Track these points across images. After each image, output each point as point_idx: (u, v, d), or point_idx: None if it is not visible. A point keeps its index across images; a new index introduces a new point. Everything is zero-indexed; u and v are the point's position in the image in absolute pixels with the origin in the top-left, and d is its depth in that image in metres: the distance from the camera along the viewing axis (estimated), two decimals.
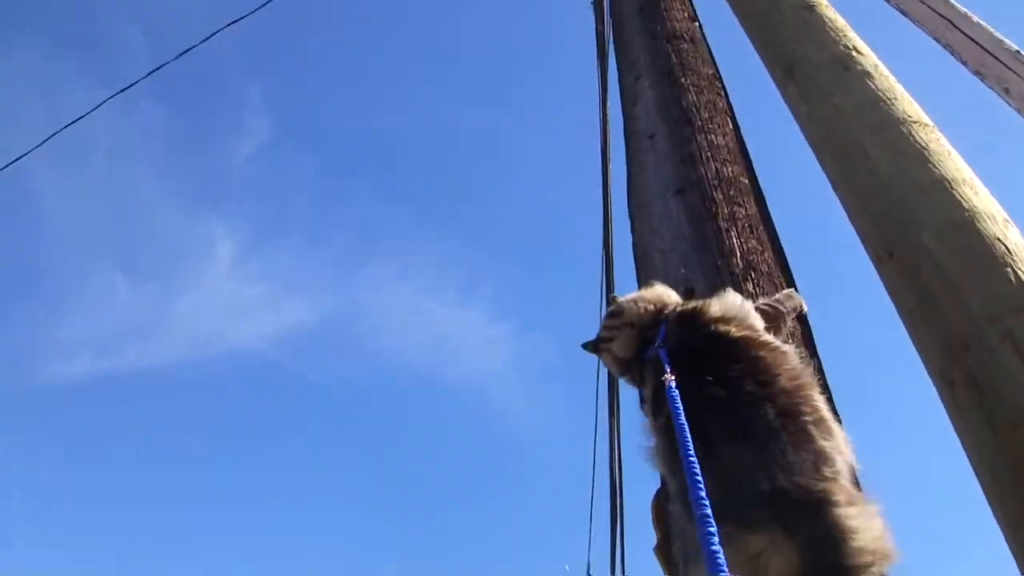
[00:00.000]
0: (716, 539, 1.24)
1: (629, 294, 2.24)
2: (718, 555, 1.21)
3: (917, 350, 2.12)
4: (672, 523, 2.03)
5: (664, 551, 2.09)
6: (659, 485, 2.14)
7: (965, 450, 1.90)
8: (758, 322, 2.00)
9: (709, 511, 1.31)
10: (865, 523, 1.52)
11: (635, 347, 2.09)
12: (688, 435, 1.51)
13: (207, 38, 5.82)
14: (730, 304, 2.01)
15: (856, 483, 1.74)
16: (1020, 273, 1.97)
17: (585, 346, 2.32)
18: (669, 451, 1.75)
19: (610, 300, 2.32)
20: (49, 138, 5.90)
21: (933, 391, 2.07)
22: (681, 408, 1.60)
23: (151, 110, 20.55)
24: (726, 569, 1.18)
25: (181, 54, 5.79)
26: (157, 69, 5.77)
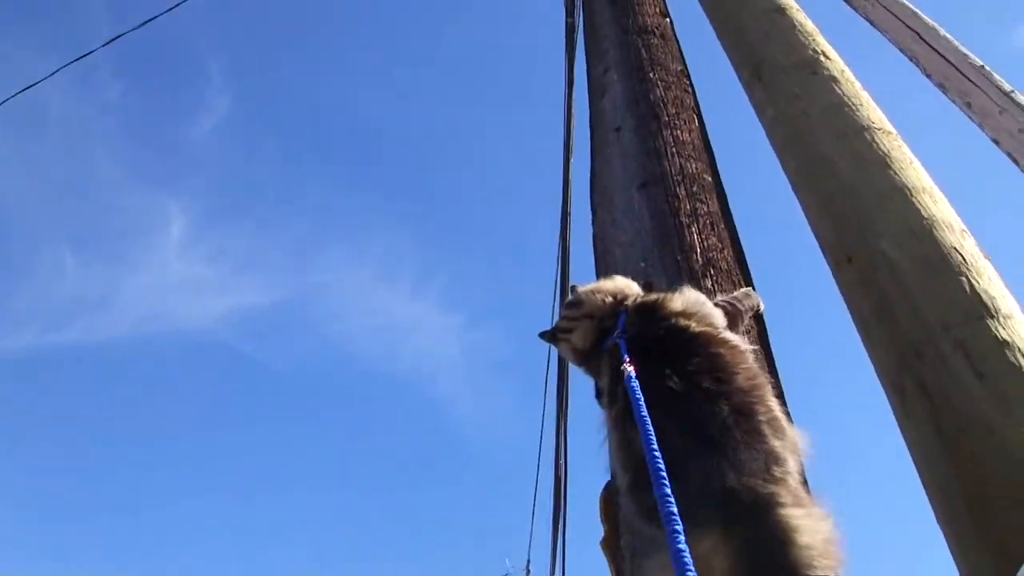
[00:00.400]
0: (682, 537, 1.22)
1: (588, 284, 2.21)
2: (684, 554, 1.19)
3: (870, 357, 2.13)
4: (620, 517, 2.02)
5: (611, 545, 2.08)
6: (608, 479, 2.12)
7: (912, 457, 1.91)
8: (719, 319, 2.00)
9: (675, 508, 1.29)
10: (811, 525, 1.51)
11: (594, 338, 2.07)
12: (650, 427, 1.49)
13: (169, 9, 5.68)
14: (692, 299, 2.00)
15: (806, 484, 1.74)
16: (975, 283, 1.98)
17: (543, 335, 2.29)
18: (622, 442, 1.73)
19: (570, 290, 2.29)
20: None
21: (881, 397, 2.08)
22: (642, 398, 1.58)
23: (109, 83, 20.12)
24: (693, 568, 1.15)
25: (142, 24, 5.64)
26: (116, 39, 5.61)
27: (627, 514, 1.86)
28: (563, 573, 3.83)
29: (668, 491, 1.34)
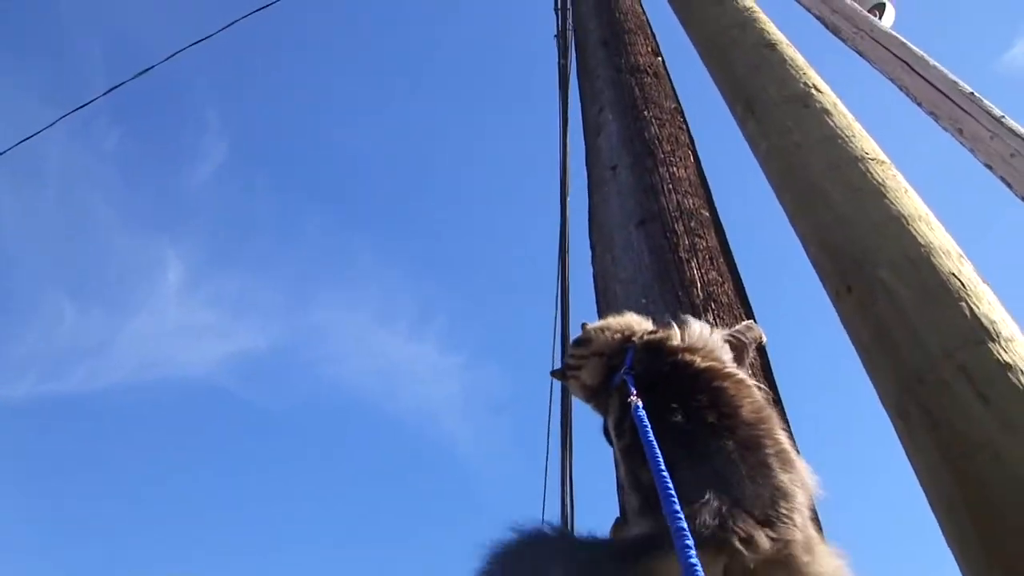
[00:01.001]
0: (694, 552, 1.22)
1: (597, 322, 2.23)
2: (696, 568, 1.19)
3: (873, 384, 2.14)
4: None
5: None
6: (616, 516, 2.12)
7: (920, 483, 1.91)
8: (725, 354, 2.00)
9: (685, 524, 1.29)
10: (817, 556, 1.51)
11: (602, 375, 2.09)
12: (657, 451, 1.49)
13: (167, 58, 5.77)
14: (698, 334, 2.01)
15: (816, 520, 1.73)
16: (974, 308, 2.00)
17: (554, 374, 2.30)
18: (629, 475, 1.73)
19: (581, 327, 2.30)
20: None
21: (886, 425, 2.09)
22: (649, 427, 1.59)
23: (106, 131, 20.30)
24: None
25: (139, 73, 5.73)
26: (115, 88, 5.70)
27: None
28: None
29: (678, 508, 1.34)
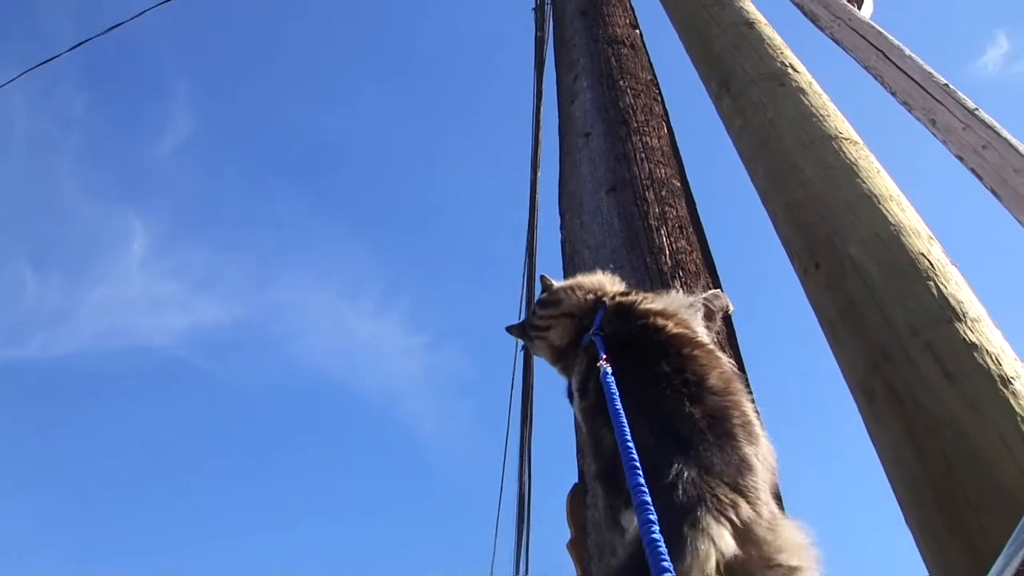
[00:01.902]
0: (656, 527, 1.17)
1: (565, 280, 2.17)
2: (659, 543, 1.14)
3: (837, 360, 2.12)
4: (588, 518, 1.98)
5: (577, 547, 2.03)
6: (575, 482, 2.09)
7: (881, 460, 1.89)
8: (696, 322, 1.97)
9: (648, 497, 1.24)
10: (781, 533, 1.48)
11: (572, 335, 2.03)
12: (624, 421, 1.44)
13: (136, 16, 5.62)
14: (672, 300, 1.97)
15: (777, 494, 1.70)
16: (942, 288, 1.98)
17: (511, 330, 2.24)
18: (591, 437, 1.69)
19: (540, 280, 2.25)
20: None
21: (842, 402, 2.07)
22: (616, 394, 1.54)
23: (73, 96, 19.85)
24: (668, 557, 1.11)
25: (108, 30, 5.57)
26: (81, 44, 5.54)
27: (594, 514, 1.82)
28: None
29: (642, 480, 1.30)
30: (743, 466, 1.54)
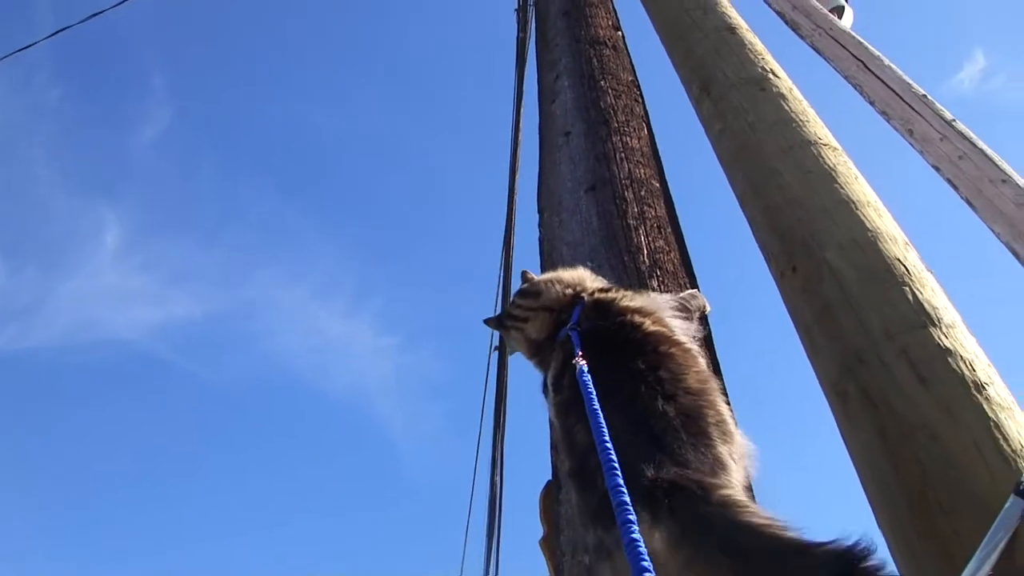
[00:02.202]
0: (636, 528, 1.16)
1: (546, 273, 2.16)
2: (639, 544, 1.13)
3: (812, 363, 2.12)
4: (560, 514, 1.96)
5: (550, 544, 2.02)
6: (548, 479, 2.07)
7: (854, 463, 1.89)
8: (674, 321, 1.96)
9: (627, 498, 1.23)
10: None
11: (549, 329, 2.02)
12: (602, 420, 1.42)
13: (116, 4, 5.55)
14: (651, 299, 1.97)
15: (750, 493, 1.69)
16: (918, 293, 1.99)
17: (488, 322, 2.23)
18: (564, 432, 1.68)
19: (522, 275, 2.23)
20: None
21: (816, 405, 2.07)
22: (594, 392, 1.53)
23: (49, 86, 19.65)
24: (648, 557, 1.09)
25: (88, 18, 5.49)
26: (60, 31, 5.46)
27: (568, 510, 1.80)
28: None
29: (621, 482, 1.28)
30: (717, 465, 1.53)
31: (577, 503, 1.64)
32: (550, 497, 2.07)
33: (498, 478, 3.59)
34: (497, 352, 4.09)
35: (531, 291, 2.13)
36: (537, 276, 2.18)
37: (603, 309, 1.94)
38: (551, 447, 2.03)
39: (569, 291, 2.06)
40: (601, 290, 2.06)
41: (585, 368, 1.64)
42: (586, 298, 2.01)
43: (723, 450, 1.59)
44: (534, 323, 2.07)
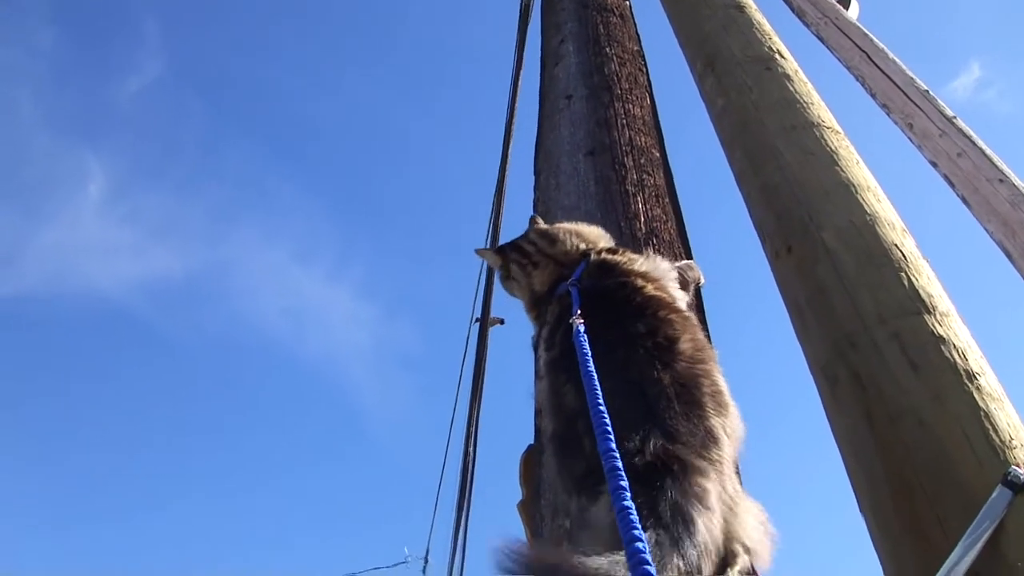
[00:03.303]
0: (628, 494, 1.12)
1: (565, 223, 2.11)
2: (631, 512, 1.09)
3: (802, 344, 2.10)
4: (543, 478, 1.92)
5: (528, 509, 1.98)
6: (529, 443, 2.04)
7: (839, 444, 1.87)
8: (675, 291, 1.93)
9: (620, 463, 1.19)
10: (740, 512, 1.44)
11: (551, 282, 1.98)
12: (596, 385, 1.38)
13: None
14: (655, 264, 1.93)
15: (738, 472, 1.66)
16: (913, 280, 1.96)
17: (483, 252, 2.17)
18: (551, 391, 1.64)
19: (530, 221, 2.17)
20: None
21: (803, 385, 2.05)
22: (589, 354, 1.48)
23: (41, 27, 19.26)
24: (639, 525, 1.06)
25: None
26: None
27: (549, 474, 1.77)
28: (463, 562, 3.72)
29: (614, 446, 1.25)
30: (708, 438, 1.50)
31: (558, 468, 1.60)
32: (531, 461, 2.03)
33: (471, 448, 3.56)
34: (478, 324, 4.05)
35: (550, 234, 2.07)
36: (562, 225, 2.12)
37: (607, 269, 1.90)
38: (535, 411, 1.99)
39: (581, 246, 2.02)
40: (609, 250, 2.02)
41: (582, 328, 1.59)
42: (592, 256, 1.97)
43: (716, 422, 1.55)
44: (541, 272, 2.02)
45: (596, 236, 2.07)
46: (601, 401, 1.35)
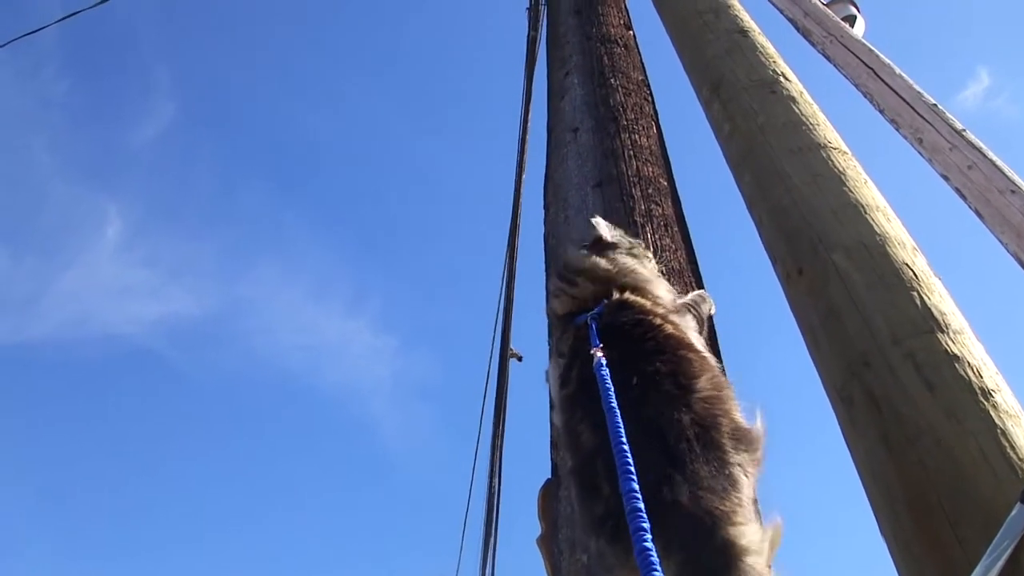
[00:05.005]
0: (648, 536, 1.13)
1: (631, 238, 2.09)
2: (651, 553, 1.10)
3: (816, 366, 2.10)
4: (560, 512, 1.93)
5: (547, 543, 1.98)
6: (547, 478, 2.04)
7: (857, 469, 1.87)
8: (690, 328, 1.93)
9: (642, 504, 1.20)
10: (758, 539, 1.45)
11: (569, 310, 1.97)
12: (619, 419, 1.39)
13: None
14: (671, 300, 1.94)
15: (755, 505, 1.66)
16: (926, 299, 1.96)
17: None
18: (568, 429, 1.64)
19: (594, 224, 2.14)
20: None
21: (819, 408, 2.06)
22: (611, 388, 1.49)
23: (56, 78, 19.66)
24: (659, 567, 1.07)
25: (94, 5, 5.49)
26: (68, 17, 5.46)
27: (567, 508, 1.77)
28: None
29: (636, 487, 1.26)
30: (728, 482, 1.49)
31: (578, 507, 1.61)
32: (549, 495, 2.04)
33: (496, 483, 3.55)
34: (500, 355, 4.06)
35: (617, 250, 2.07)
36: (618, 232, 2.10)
37: (626, 307, 1.90)
38: (551, 444, 2.00)
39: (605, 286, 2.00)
40: (636, 289, 2.00)
41: (603, 362, 1.60)
42: (615, 296, 1.96)
43: (735, 462, 1.55)
44: (560, 299, 2.01)
45: (648, 276, 2.06)
46: (624, 439, 1.36)
